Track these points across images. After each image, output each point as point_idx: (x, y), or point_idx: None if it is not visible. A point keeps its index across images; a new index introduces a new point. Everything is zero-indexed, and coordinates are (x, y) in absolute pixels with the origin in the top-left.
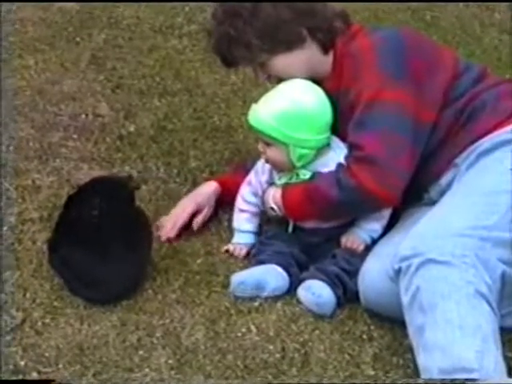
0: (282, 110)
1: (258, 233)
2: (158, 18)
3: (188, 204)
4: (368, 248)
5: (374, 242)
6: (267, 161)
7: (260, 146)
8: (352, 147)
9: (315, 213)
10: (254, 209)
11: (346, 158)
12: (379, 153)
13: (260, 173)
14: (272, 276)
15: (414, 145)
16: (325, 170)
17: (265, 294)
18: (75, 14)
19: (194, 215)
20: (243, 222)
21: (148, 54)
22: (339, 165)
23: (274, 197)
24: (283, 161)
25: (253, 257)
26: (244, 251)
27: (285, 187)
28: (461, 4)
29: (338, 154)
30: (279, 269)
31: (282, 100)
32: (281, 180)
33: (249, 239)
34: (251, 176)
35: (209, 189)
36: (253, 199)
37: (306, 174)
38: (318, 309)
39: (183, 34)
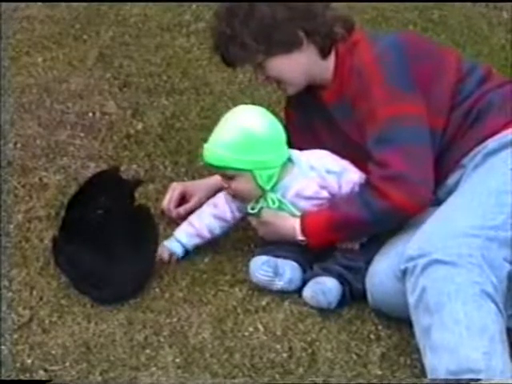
0: (234, 139)
1: (188, 250)
2: (165, 15)
3: (177, 187)
4: (364, 244)
5: (373, 237)
6: (234, 195)
7: (223, 183)
8: (376, 165)
9: (346, 237)
10: (203, 232)
11: (371, 177)
12: (405, 168)
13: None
14: (288, 267)
15: (432, 153)
16: (295, 186)
17: (281, 283)
18: (82, 11)
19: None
20: (184, 235)
21: (155, 52)
22: (362, 186)
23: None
24: (251, 189)
25: (260, 254)
26: (167, 256)
27: (302, 219)
28: (468, 3)
29: (302, 167)
30: (296, 264)
31: (230, 131)
32: (254, 208)
33: (178, 250)
34: (220, 199)
35: (207, 181)
36: (212, 222)
37: (274, 200)
38: (323, 297)
39: (190, 32)
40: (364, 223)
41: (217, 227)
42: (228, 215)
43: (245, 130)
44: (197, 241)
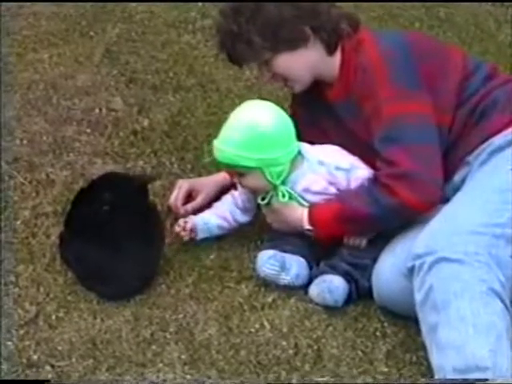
0: (243, 138)
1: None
2: (171, 12)
3: (184, 184)
4: (372, 241)
5: (380, 234)
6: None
7: (235, 179)
8: (385, 163)
9: (353, 231)
10: (225, 215)
11: (380, 174)
12: (415, 167)
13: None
14: (295, 262)
15: (440, 151)
16: (303, 181)
17: (288, 278)
18: (89, 7)
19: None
20: (207, 213)
21: (161, 48)
22: (371, 182)
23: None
24: (261, 184)
25: (267, 248)
26: (189, 227)
27: (310, 208)
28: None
29: (311, 161)
30: (303, 259)
31: (239, 129)
32: (264, 199)
33: (199, 222)
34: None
35: (213, 178)
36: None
37: (284, 193)
38: (330, 296)
39: (197, 28)
40: (372, 218)
41: (238, 214)
42: (240, 204)
43: (253, 128)
44: (220, 222)
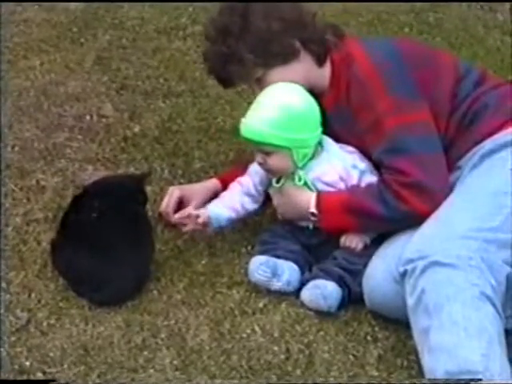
0: (275, 116)
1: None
2: (162, 18)
3: (175, 191)
4: (367, 247)
5: (374, 240)
6: (268, 170)
7: (259, 158)
8: (394, 172)
9: (358, 225)
10: (235, 205)
11: (390, 179)
12: (424, 177)
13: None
14: (287, 268)
15: (444, 157)
16: (318, 169)
17: (279, 284)
18: (79, 14)
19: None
20: (215, 206)
21: (152, 55)
22: (380, 182)
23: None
24: (285, 165)
25: (260, 253)
26: (201, 221)
27: (319, 193)
28: (464, 5)
29: (330, 153)
30: (295, 266)
31: (271, 107)
32: (279, 182)
33: (211, 215)
34: (244, 177)
35: (205, 184)
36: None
37: (301, 178)
38: (324, 302)
39: (187, 34)
40: (379, 217)
41: (247, 202)
42: (252, 189)
43: (288, 108)
44: (230, 215)
